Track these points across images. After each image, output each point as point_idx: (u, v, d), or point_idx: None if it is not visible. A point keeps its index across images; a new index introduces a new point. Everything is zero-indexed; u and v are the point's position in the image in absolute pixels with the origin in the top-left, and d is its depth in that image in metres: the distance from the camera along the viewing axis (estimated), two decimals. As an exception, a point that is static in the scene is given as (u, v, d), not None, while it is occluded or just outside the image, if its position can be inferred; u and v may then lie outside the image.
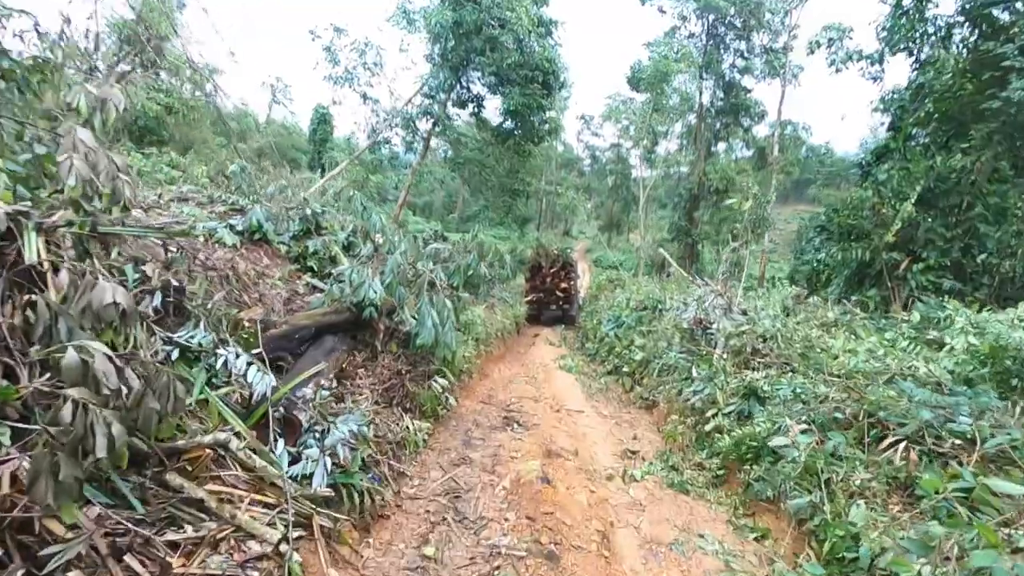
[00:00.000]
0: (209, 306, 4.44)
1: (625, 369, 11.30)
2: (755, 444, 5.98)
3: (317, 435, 3.99)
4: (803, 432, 5.60)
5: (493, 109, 17.22)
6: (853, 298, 12.39)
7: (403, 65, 17.92)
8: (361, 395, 5.83)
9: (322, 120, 38.67)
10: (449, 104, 16.58)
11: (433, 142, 18.37)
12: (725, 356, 8.48)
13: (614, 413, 9.58)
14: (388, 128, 15.91)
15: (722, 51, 29.30)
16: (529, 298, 25.48)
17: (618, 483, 6.31)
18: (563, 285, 25.57)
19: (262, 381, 3.88)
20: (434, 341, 6.94)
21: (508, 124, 16.72)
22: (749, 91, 29.49)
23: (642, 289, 14.17)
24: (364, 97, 15.36)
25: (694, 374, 8.55)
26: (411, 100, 16.03)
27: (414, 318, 7.26)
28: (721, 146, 31.70)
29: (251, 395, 3.82)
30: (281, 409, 3.93)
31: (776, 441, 5.29)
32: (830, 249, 13.02)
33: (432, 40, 15.88)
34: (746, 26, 29.11)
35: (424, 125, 16.93)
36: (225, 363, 3.85)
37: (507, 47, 14.55)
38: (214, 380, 3.92)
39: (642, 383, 10.47)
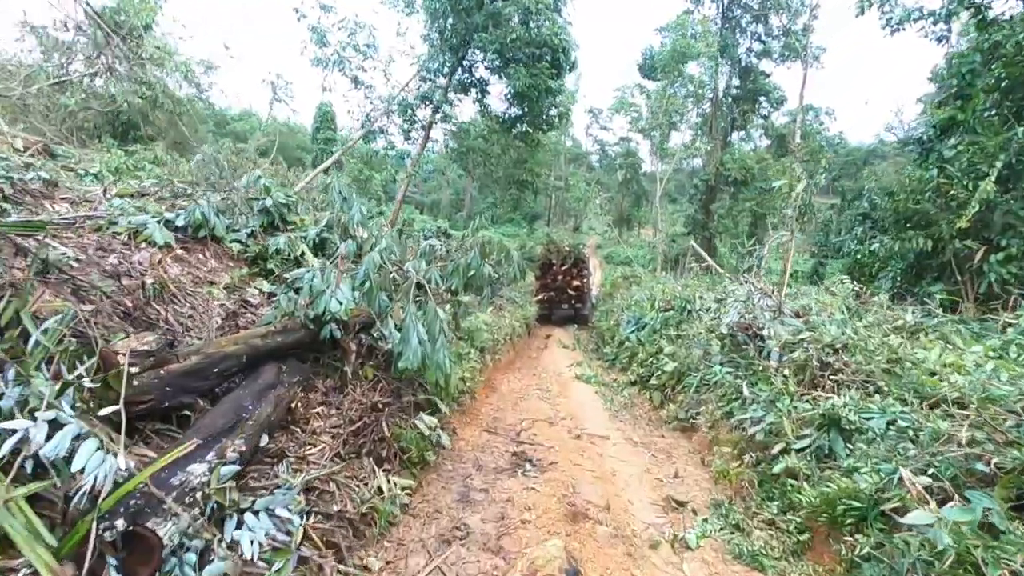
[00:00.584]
0: (54, 335, 2.81)
1: (653, 381, 9.61)
2: (857, 504, 4.29)
3: (195, 555, 2.37)
4: (926, 487, 3.94)
5: (498, 95, 15.57)
6: (910, 295, 10.60)
7: (401, 49, 16.76)
8: (317, 445, 4.19)
9: (325, 118, 37.18)
10: (450, 90, 14.92)
11: (435, 132, 16.75)
12: (785, 371, 6.77)
13: (645, 438, 7.88)
14: (384, 116, 14.32)
15: (738, 35, 27.41)
16: (539, 297, 23.81)
17: (666, 553, 4.64)
18: (575, 283, 23.87)
19: (101, 466, 2.27)
20: (421, 363, 5.29)
21: (514, 110, 15.04)
22: (768, 75, 27.56)
23: (666, 287, 12.44)
24: (356, 82, 13.72)
25: (746, 393, 6.85)
26: (408, 85, 14.42)
27: (399, 330, 5.63)
28: (737, 135, 29.79)
29: (78, 493, 2.21)
30: (119, 523, 2.25)
31: (914, 518, 3.58)
32: (881, 239, 11.22)
33: (430, 19, 14.26)
34: (763, 7, 27.18)
35: (424, 113, 15.30)
36: (26, 438, 2.23)
37: (511, 22, 12.91)
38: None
39: (675, 400, 8.78)
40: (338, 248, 6.68)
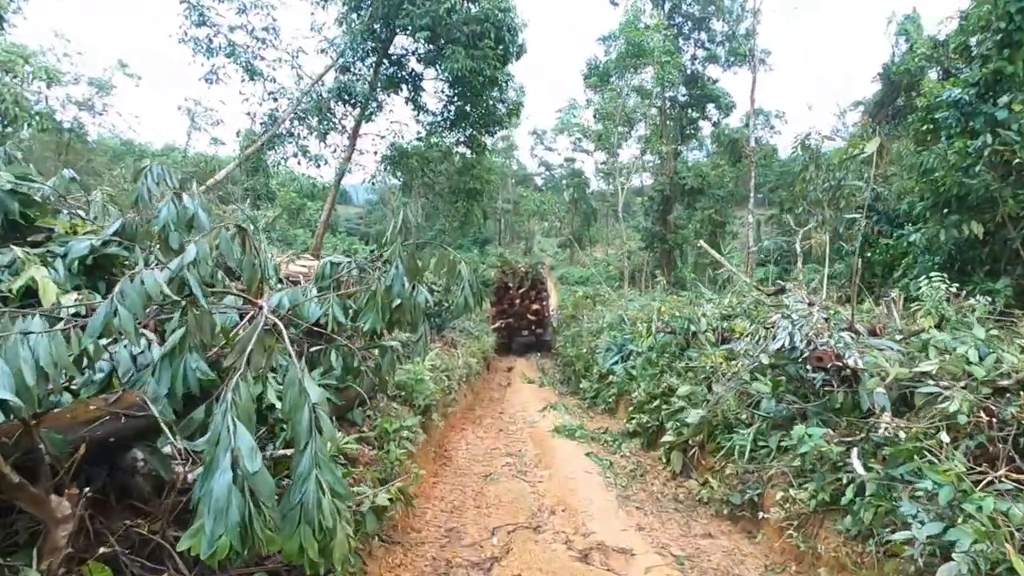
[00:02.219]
0: None
1: (669, 437, 6.62)
2: None
3: None
4: None
5: (435, 92, 12.67)
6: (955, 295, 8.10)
7: (316, 46, 13.85)
8: None
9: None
10: (377, 87, 11.88)
11: (364, 143, 13.57)
12: (910, 428, 3.91)
13: (686, 543, 4.84)
14: (293, 117, 11.12)
15: (681, 42, 25.65)
16: (497, 324, 20.78)
17: None
18: (534, 307, 20.92)
19: None
20: (244, 527, 2.08)
21: (454, 107, 12.13)
22: (715, 81, 25.91)
23: (664, 304, 9.58)
24: (250, 72, 10.49)
25: (859, 471, 3.94)
26: (322, 78, 11.31)
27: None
28: (687, 145, 27.93)
29: None
30: None
31: None
32: (922, 228, 8.73)
33: (345, -4, 11.27)
34: (704, 12, 25.58)
35: (345, 113, 12.15)
36: None
37: (443, -8, 10.14)
38: None
39: (708, 466, 5.81)
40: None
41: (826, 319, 5.46)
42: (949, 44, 19.97)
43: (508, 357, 20.25)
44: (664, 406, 7.24)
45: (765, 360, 6.05)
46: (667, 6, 25.00)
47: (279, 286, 4.74)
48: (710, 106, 26.64)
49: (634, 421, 7.90)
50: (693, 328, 8.32)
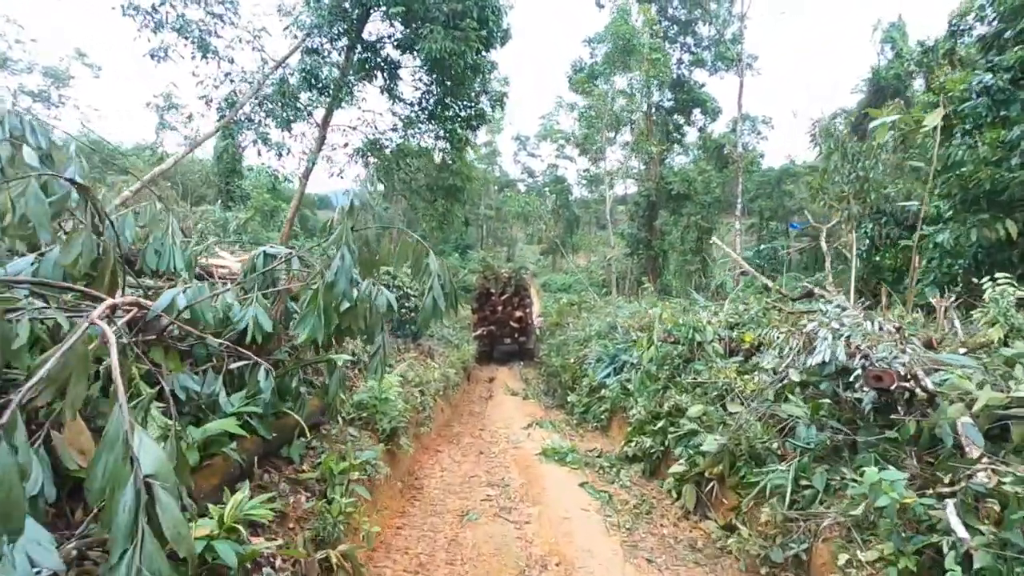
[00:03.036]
0: None
1: (679, 467, 5.54)
2: None
3: None
4: None
5: (411, 81, 11.50)
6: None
7: (280, 21, 12.50)
8: None
9: (227, 147, 31.78)
10: (350, 74, 10.70)
11: (336, 138, 12.34)
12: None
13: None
14: (254, 102, 9.87)
15: (668, 45, 24.91)
16: (478, 332, 19.62)
17: None
18: (517, 314, 19.83)
19: None
20: None
21: (434, 95, 10.98)
22: (702, 85, 25.19)
23: (665, 311, 8.50)
24: (204, 50, 9.20)
25: (960, 533, 2.88)
26: (287, 60, 10.09)
27: None
28: (675, 150, 27.15)
29: None
30: None
31: None
32: (953, 227, 7.81)
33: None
34: (691, 17, 24.90)
35: (311, 101, 10.93)
36: None
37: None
38: None
39: (739, 513, 4.70)
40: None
41: (882, 329, 4.43)
42: (938, 49, 19.62)
43: (490, 366, 19.11)
44: (671, 428, 6.16)
45: (795, 377, 5.02)
46: (654, 8, 24.23)
47: (197, 284, 3.56)
48: (696, 111, 25.94)
49: (633, 444, 6.81)
50: (699, 338, 7.28)
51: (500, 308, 19.44)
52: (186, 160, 39.89)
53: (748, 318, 7.87)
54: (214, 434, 2.97)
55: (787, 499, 4.06)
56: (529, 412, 11.29)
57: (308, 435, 4.03)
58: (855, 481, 3.85)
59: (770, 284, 8.30)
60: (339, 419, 5.06)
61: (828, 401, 4.44)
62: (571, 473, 6.63)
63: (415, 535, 4.79)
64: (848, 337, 4.45)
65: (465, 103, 11.66)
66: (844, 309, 5.00)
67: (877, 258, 9.91)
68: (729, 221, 29.42)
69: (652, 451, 6.39)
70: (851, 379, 4.61)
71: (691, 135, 27.54)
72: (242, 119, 9.84)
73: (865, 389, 4.07)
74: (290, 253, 4.07)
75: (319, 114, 11.33)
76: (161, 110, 27.28)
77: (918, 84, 26.30)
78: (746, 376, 6.24)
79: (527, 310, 20.01)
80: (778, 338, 5.88)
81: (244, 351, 3.72)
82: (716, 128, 27.13)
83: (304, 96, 10.13)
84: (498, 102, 11.52)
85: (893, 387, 3.79)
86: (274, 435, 3.72)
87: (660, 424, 6.39)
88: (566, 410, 11.08)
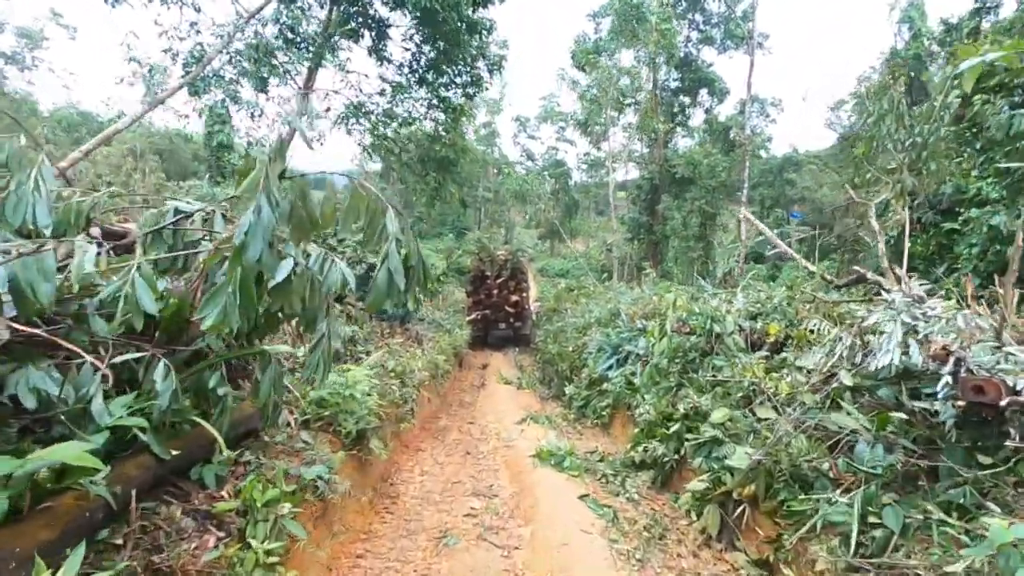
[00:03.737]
0: None
1: (700, 482, 4.59)
2: None
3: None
4: None
5: (402, 42, 10.35)
6: None
7: None
8: None
9: (219, 121, 30.42)
10: (334, 32, 9.55)
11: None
12: None
13: None
14: (226, 59, 8.74)
15: (676, 22, 23.60)
16: (472, 316, 18.66)
17: None
18: (513, 298, 18.85)
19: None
20: None
21: (425, 55, 9.86)
22: (710, 65, 23.94)
23: (679, 298, 7.47)
24: (164, -8, 8.09)
25: None
26: (261, 11, 8.95)
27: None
28: (680, 132, 25.97)
29: None
30: None
31: None
32: (991, 210, 6.84)
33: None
34: (700, -7, 23.62)
35: (299, 70, 9.81)
36: None
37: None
38: None
39: (788, 555, 3.75)
40: None
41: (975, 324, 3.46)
42: (962, 28, 18.44)
43: (483, 352, 18.19)
44: (688, 434, 5.21)
45: (847, 380, 4.06)
46: (661, -17, 22.89)
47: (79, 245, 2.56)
48: (703, 92, 24.72)
49: (641, 448, 5.87)
50: (717, 329, 6.31)
51: (495, 292, 18.47)
52: (173, 134, 38.54)
53: (771, 307, 6.91)
54: (55, 462, 1.99)
55: (853, 541, 3.11)
56: (523, 404, 10.36)
57: (233, 450, 3.07)
58: (945, 523, 2.92)
59: (813, 268, 7.28)
60: (290, 422, 4.09)
61: (902, 415, 3.47)
62: (569, 481, 5.69)
63: (377, 568, 3.84)
64: (927, 335, 3.48)
65: (460, 67, 10.53)
66: (918, 300, 4.01)
67: (908, 244, 8.92)
68: (733, 208, 28.38)
69: (664, 459, 5.44)
70: (920, 384, 3.67)
71: (696, 118, 26.36)
72: (210, 76, 8.73)
73: (956, 402, 3.11)
74: (212, 209, 3.06)
75: (300, 77, 10.20)
76: (148, 81, 25.80)
77: (935, 68, 25.16)
78: (774, 374, 5.30)
79: (524, 294, 19.05)
80: (818, 330, 4.91)
81: (140, 340, 2.74)
82: (723, 110, 25.95)
83: (282, 56, 9.00)
84: (496, 67, 10.41)
85: (1004, 402, 2.82)
86: (178, 452, 2.75)
87: (674, 428, 5.44)
88: (563, 402, 10.17)
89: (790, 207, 37.61)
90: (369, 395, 5.21)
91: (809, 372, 4.86)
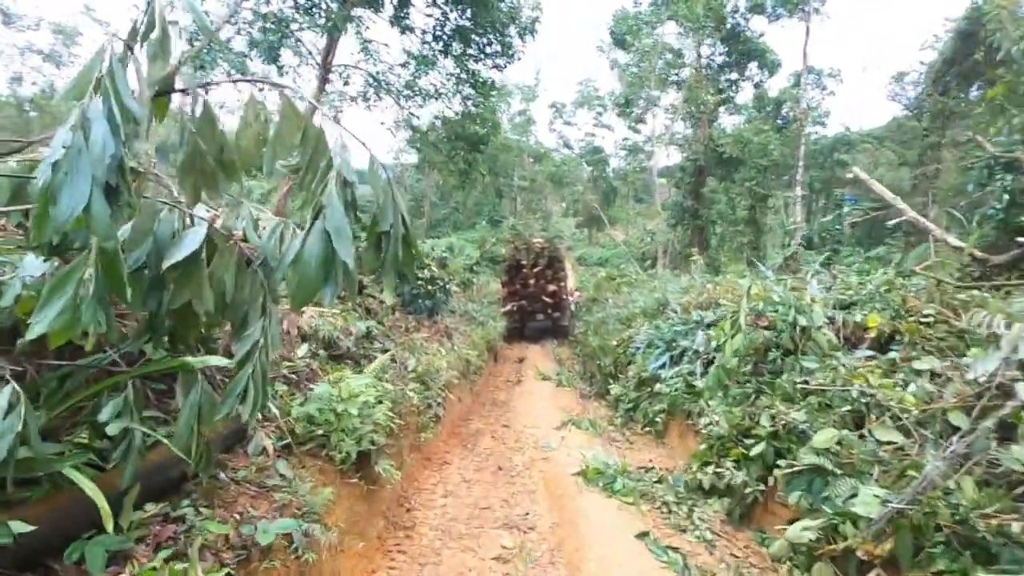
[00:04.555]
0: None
1: (805, 528, 3.40)
2: None
3: None
4: None
5: (426, 7, 9.29)
6: None
7: None
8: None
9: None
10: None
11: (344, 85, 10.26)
12: None
13: None
14: (233, 27, 7.91)
15: (722, -10, 21.69)
16: (507, 307, 17.64)
17: None
18: (551, 288, 17.71)
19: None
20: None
21: (451, 20, 8.81)
22: (760, 35, 21.95)
23: (757, 284, 6.15)
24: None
25: None
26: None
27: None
28: (724, 109, 24.05)
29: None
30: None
31: None
32: None
33: None
34: (750, -43, 21.59)
35: (313, 41, 8.93)
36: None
37: None
38: None
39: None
40: None
41: None
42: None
43: (520, 344, 17.15)
44: (779, 459, 4.02)
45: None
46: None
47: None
48: (752, 65, 22.73)
49: (710, 470, 4.70)
50: (803, 321, 5.04)
51: (532, 281, 17.38)
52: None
53: (866, 295, 5.59)
54: None
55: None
56: (563, 404, 9.29)
57: (163, 499, 2.10)
58: None
59: (958, 244, 5.85)
60: (266, 448, 3.13)
61: None
62: (622, 511, 4.58)
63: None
64: None
65: (489, 35, 9.42)
66: None
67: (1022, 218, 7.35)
68: (784, 191, 26.27)
69: (748, 493, 4.26)
70: None
71: (744, 94, 24.34)
72: (212, 47, 7.90)
73: None
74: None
75: (315, 49, 9.30)
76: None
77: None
78: (885, 379, 4.04)
79: (561, 284, 17.89)
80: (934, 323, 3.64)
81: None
82: (774, 84, 23.84)
83: (295, 26, 8.10)
84: (529, 31, 9.23)
85: None
86: (58, 517, 1.79)
87: (757, 448, 4.24)
88: (608, 402, 9.02)
89: (837, 191, 35.03)
90: (378, 404, 4.23)
91: (935, 378, 3.61)
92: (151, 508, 2.21)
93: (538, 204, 43.98)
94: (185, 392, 2.05)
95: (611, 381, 9.42)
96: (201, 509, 2.38)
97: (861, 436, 3.66)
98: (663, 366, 7.24)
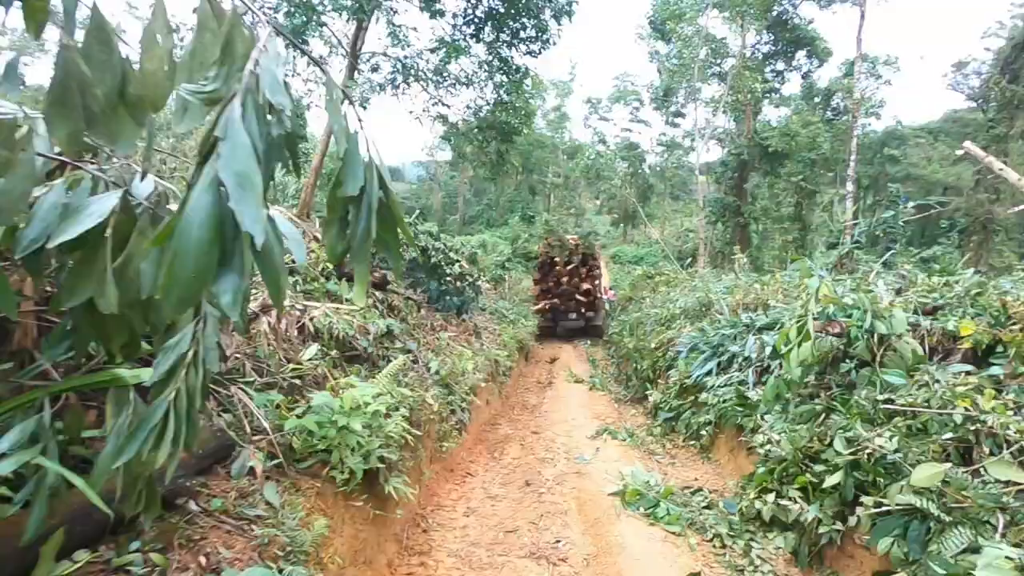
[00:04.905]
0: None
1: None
2: None
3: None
4: None
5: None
6: None
7: None
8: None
9: (294, 112, 30.30)
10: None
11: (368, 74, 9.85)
12: None
13: None
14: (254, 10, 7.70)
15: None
16: (540, 306, 17.05)
17: None
18: (584, 286, 17.04)
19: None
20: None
21: (485, 4, 8.29)
22: (810, 21, 20.64)
23: (826, 286, 5.39)
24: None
25: None
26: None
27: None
28: (769, 100, 22.77)
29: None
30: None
31: None
32: None
33: None
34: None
35: (341, 25, 8.57)
36: None
37: None
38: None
39: None
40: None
41: None
42: None
43: (552, 344, 16.56)
44: (860, 494, 3.34)
45: None
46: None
47: None
48: (800, 54, 21.42)
49: (770, 498, 4.04)
50: (881, 328, 4.30)
51: (565, 279, 16.76)
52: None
53: (953, 298, 4.80)
54: None
55: None
56: (597, 410, 8.67)
57: (45, 571, 1.63)
58: None
59: None
60: (254, 468, 2.66)
61: None
62: (667, 542, 3.97)
63: None
64: None
65: (523, 18, 8.86)
66: None
67: None
68: (830, 188, 24.75)
69: (818, 528, 3.58)
70: None
71: (791, 85, 23.02)
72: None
73: None
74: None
75: (341, 34, 8.93)
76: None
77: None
78: (996, 401, 3.31)
79: (596, 282, 17.20)
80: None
81: None
82: (824, 74, 22.44)
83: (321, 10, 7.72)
84: (564, 13, 8.61)
85: None
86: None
87: (832, 479, 3.57)
88: (645, 409, 8.37)
89: (892, 186, 33.11)
90: (394, 411, 3.74)
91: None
92: (83, 556, 1.75)
93: (572, 201, 43.14)
94: (116, 414, 1.57)
95: (649, 386, 8.75)
96: (152, 555, 1.91)
97: (973, 473, 2.96)
98: (709, 373, 6.55)
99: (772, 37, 21.28)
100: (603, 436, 6.85)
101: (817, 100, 21.65)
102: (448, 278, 9.53)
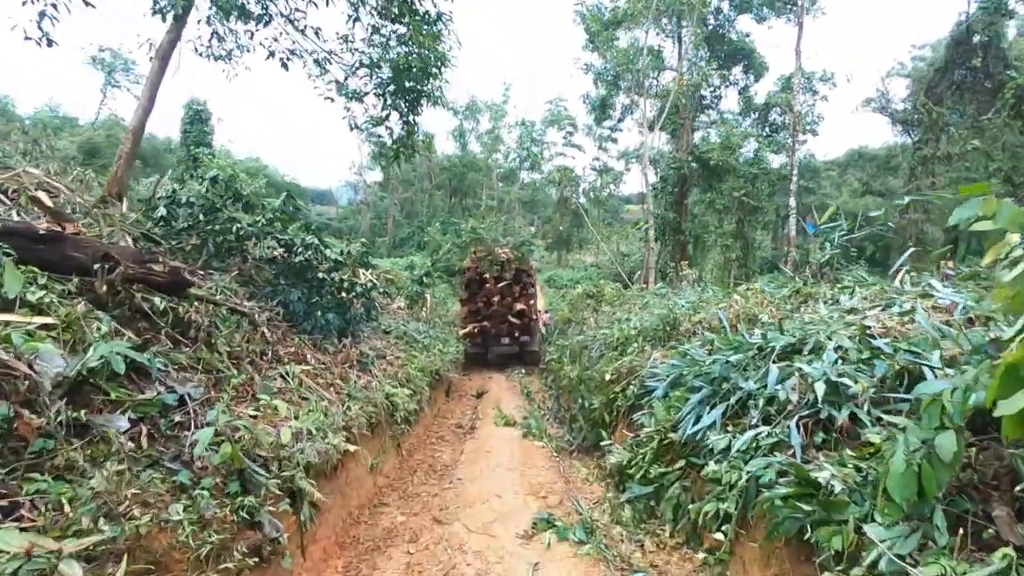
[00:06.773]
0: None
1: None
2: None
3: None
4: None
5: None
6: None
7: None
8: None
9: (196, 119, 26.37)
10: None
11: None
12: None
13: None
14: None
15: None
16: (468, 329, 14.20)
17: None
18: (518, 306, 14.30)
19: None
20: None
21: None
22: (747, 35, 19.61)
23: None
24: None
25: None
26: None
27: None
28: (705, 116, 21.56)
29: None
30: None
31: None
32: None
33: None
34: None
35: None
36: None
37: None
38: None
39: None
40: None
41: None
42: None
43: (481, 373, 13.71)
44: None
45: None
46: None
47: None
48: (736, 69, 20.39)
49: None
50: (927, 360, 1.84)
51: (496, 298, 14.00)
52: (147, 135, 34.64)
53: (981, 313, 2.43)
54: None
55: None
56: (534, 476, 5.86)
57: None
58: None
59: None
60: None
61: None
62: None
63: None
64: None
65: None
66: None
67: None
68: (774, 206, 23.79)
69: None
70: None
71: (726, 101, 21.92)
72: None
73: None
74: None
75: None
76: (108, 67, 21.60)
77: (1012, 33, 20.84)
78: None
79: (531, 301, 14.56)
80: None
81: None
82: (760, 89, 21.45)
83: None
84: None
85: None
86: None
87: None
88: (600, 468, 5.68)
89: (805, 217, 33.39)
90: None
91: None
92: None
93: (508, 225, 40.74)
94: None
95: (604, 433, 6.09)
96: None
97: None
98: (712, 424, 3.95)
99: (708, 51, 20.07)
100: (545, 534, 4.06)
101: (755, 116, 20.56)
102: (329, 287, 6.57)
